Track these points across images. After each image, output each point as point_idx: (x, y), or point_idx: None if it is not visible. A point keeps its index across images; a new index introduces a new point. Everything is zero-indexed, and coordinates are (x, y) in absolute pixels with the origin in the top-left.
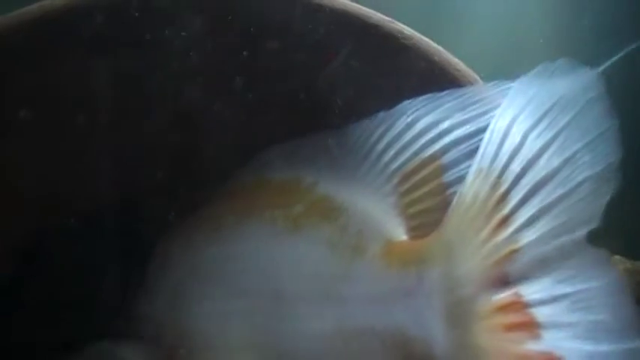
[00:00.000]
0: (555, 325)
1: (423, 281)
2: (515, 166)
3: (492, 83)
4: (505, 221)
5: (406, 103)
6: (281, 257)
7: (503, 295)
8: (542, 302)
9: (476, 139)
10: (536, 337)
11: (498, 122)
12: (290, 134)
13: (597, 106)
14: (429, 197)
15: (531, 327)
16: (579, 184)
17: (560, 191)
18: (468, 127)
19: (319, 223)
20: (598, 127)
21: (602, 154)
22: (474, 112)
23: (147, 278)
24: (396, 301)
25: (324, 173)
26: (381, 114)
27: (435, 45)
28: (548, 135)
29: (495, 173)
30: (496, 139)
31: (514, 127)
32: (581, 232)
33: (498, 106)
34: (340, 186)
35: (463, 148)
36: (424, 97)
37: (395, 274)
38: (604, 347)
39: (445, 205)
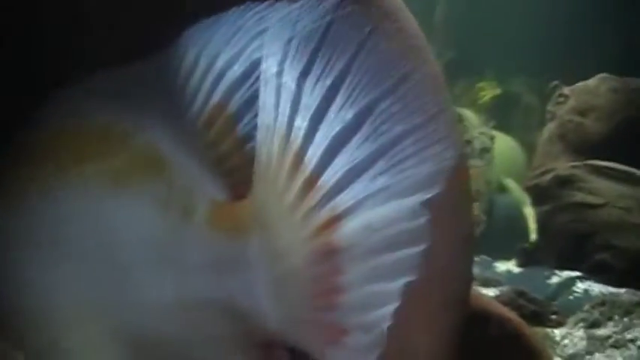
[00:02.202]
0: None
1: (247, 252)
2: (300, 121)
3: (248, 4)
4: (311, 184)
5: (191, 30)
6: (110, 219)
7: (325, 268)
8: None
9: (251, 81)
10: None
11: (267, 66)
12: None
13: (383, 45)
14: (231, 153)
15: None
16: (396, 140)
17: (370, 148)
18: (239, 65)
19: (145, 178)
20: (393, 71)
21: (414, 103)
22: (240, 44)
23: None
24: (226, 272)
25: (139, 114)
26: (174, 43)
27: None
28: (327, 82)
29: (282, 130)
30: (271, 89)
31: (286, 74)
32: (415, 198)
33: (258, 35)
34: (158, 132)
35: (244, 92)
36: (204, 22)
37: (222, 242)
38: None
39: (249, 163)
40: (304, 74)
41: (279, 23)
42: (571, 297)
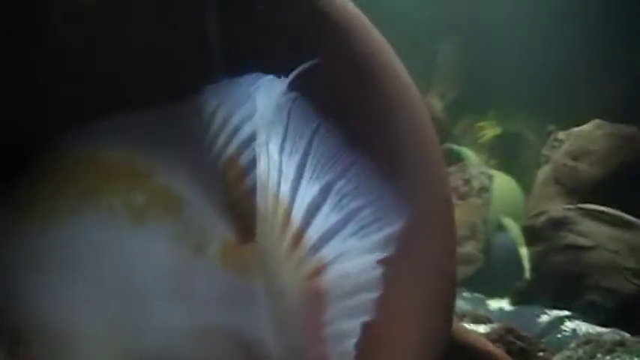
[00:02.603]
0: None
1: (252, 289)
2: (284, 187)
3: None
4: (299, 238)
5: (210, 87)
6: (128, 249)
7: (314, 308)
8: None
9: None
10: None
11: (259, 136)
12: (122, 105)
13: (330, 138)
14: (241, 201)
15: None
16: (355, 212)
17: (337, 216)
18: (249, 126)
19: (162, 216)
20: (341, 159)
21: (363, 184)
22: (251, 108)
23: None
24: (234, 305)
25: (158, 156)
26: (193, 97)
27: None
28: (297, 157)
29: (273, 190)
30: (263, 156)
31: (270, 144)
32: (375, 257)
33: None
34: (176, 173)
35: (252, 150)
36: (222, 82)
37: (231, 278)
38: None
39: (254, 212)
40: (282, 147)
41: (261, 98)
42: (559, 335)
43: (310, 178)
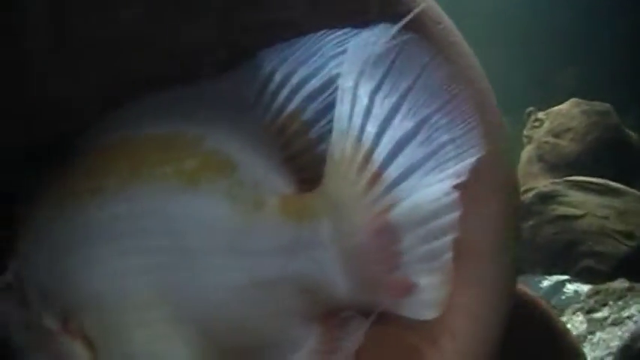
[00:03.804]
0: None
1: (318, 233)
2: (370, 128)
3: (325, 32)
4: (377, 177)
5: (264, 52)
6: (182, 213)
7: (387, 239)
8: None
9: (327, 93)
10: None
11: (345, 82)
12: (161, 82)
13: (437, 71)
14: (303, 153)
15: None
16: (442, 146)
17: (424, 151)
18: (316, 80)
19: (215, 177)
20: (444, 92)
21: (457, 118)
22: (318, 63)
23: (18, 244)
24: (298, 252)
25: (207, 123)
26: (246, 63)
27: None
28: (394, 98)
29: (355, 134)
30: (347, 101)
31: (360, 89)
32: (455, 190)
33: (335, 56)
34: (226, 138)
35: (319, 103)
36: (277, 46)
37: (293, 227)
38: None
39: (319, 162)
40: (375, 90)
41: (356, 45)
42: (563, 297)
43: (406, 114)
